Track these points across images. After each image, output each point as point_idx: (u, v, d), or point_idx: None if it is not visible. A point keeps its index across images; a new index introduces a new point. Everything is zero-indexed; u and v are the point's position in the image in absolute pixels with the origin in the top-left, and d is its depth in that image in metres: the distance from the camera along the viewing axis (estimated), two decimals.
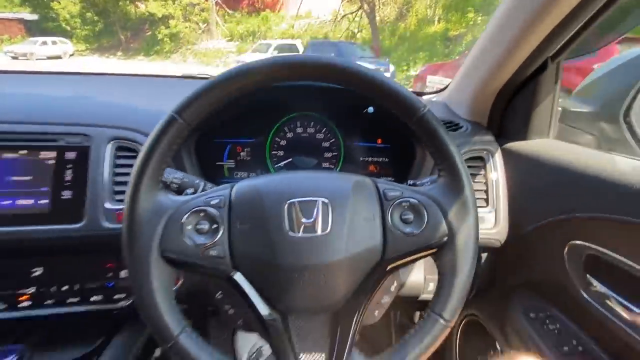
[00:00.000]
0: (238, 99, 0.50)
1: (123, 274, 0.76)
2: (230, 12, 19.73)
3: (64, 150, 0.72)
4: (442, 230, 0.52)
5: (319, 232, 0.49)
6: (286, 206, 0.50)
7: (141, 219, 0.49)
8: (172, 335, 0.47)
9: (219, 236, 0.50)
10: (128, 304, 0.77)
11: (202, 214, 0.51)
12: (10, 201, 0.69)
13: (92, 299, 0.75)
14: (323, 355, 0.51)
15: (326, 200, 0.51)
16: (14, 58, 15.97)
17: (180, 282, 0.72)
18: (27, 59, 15.88)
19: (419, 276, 0.82)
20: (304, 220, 0.50)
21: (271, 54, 12.67)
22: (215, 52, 17.68)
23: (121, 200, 0.72)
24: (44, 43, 16.81)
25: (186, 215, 0.50)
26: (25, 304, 0.73)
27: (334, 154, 0.92)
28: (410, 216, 0.53)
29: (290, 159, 0.91)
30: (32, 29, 20.19)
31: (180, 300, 0.51)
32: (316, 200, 0.50)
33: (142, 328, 0.86)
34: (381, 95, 0.52)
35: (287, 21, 18.90)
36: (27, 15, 20.95)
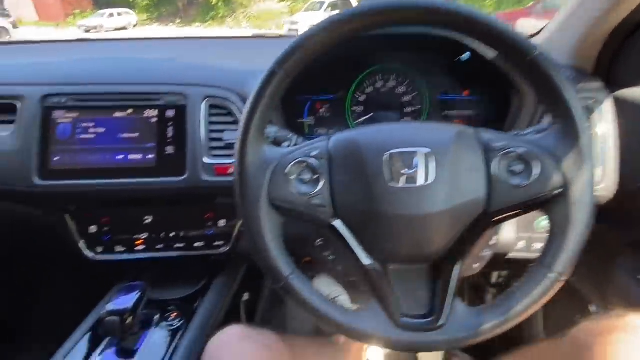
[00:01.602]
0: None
1: (221, 223, 0.83)
2: None
3: (164, 109, 0.77)
4: (555, 182, 0.49)
5: (421, 182, 0.49)
6: (386, 157, 0.50)
7: (250, 170, 0.51)
8: (283, 276, 0.50)
9: (320, 186, 0.52)
10: (227, 250, 0.84)
11: (304, 165, 0.52)
12: (123, 156, 0.76)
13: (195, 244, 0.83)
14: (424, 303, 0.52)
15: (428, 151, 0.50)
16: (87, 31, 17.15)
17: None
18: (97, 32, 16.99)
19: (510, 233, 0.80)
20: (404, 171, 0.49)
21: (324, 11, 12.30)
22: (268, 14, 17.51)
23: (217, 156, 0.76)
24: (111, 15, 17.78)
25: (289, 166, 0.52)
26: (140, 247, 0.83)
27: (415, 108, 0.89)
28: (518, 167, 0.50)
29: (371, 115, 0.90)
30: (99, 1, 21.39)
31: None
32: (417, 151, 0.50)
33: (236, 273, 0.95)
34: (489, 37, 0.48)
35: None
36: None
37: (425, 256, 0.53)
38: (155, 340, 0.70)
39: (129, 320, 0.64)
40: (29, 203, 0.80)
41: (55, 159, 0.75)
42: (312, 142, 0.56)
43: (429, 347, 0.50)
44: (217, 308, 0.82)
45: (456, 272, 0.51)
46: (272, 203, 0.51)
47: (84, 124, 0.76)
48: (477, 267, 0.58)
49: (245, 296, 1.01)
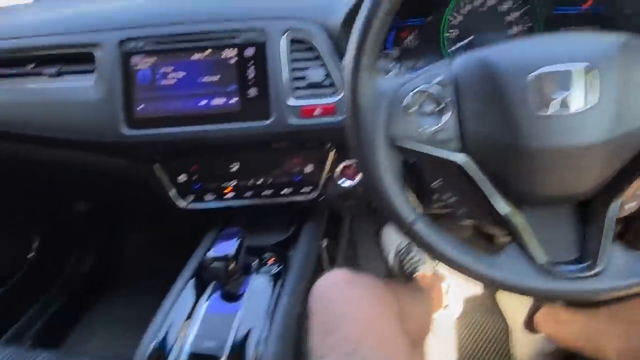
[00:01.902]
0: None
1: (308, 168, 0.79)
2: None
3: (243, 47, 0.71)
4: None
5: (578, 107, 0.40)
6: (531, 78, 0.41)
7: (364, 106, 0.45)
8: (406, 222, 0.46)
9: (445, 118, 0.45)
10: (315, 197, 0.81)
11: (425, 95, 0.45)
12: (206, 101, 0.72)
13: (282, 191, 0.81)
14: (573, 247, 0.46)
15: (587, 66, 0.40)
16: None
17: None
18: None
19: None
20: (557, 94, 0.40)
21: None
22: None
23: (301, 97, 0.71)
24: None
25: (408, 97, 0.45)
26: (229, 195, 0.82)
27: (524, 27, 0.76)
28: None
29: (470, 39, 0.78)
30: None
31: None
32: (573, 68, 0.40)
33: (321, 219, 0.93)
34: None
35: None
36: None
37: (572, 195, 0.46)
38: (258, 285, 0.71)
39: (232, 265, 0.64)
40: (117, 154, 0.80)
41: (140, 107, 0.73)
42: (430, 67, 0.48)
43: (587, 297, 0.44)
44: (311, 253, 0.81)
45: (613, 211, 0.44)
46: (391, 141, 0.46)
47: (163, 69, 0.73)
48: (630, 206, 0.49)
49: (325, 242, 1.00)
